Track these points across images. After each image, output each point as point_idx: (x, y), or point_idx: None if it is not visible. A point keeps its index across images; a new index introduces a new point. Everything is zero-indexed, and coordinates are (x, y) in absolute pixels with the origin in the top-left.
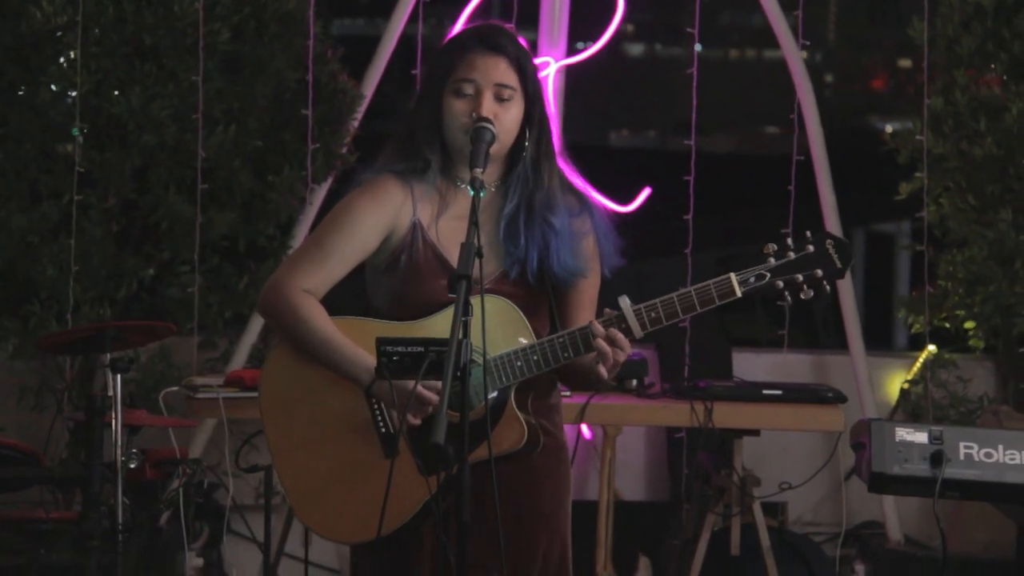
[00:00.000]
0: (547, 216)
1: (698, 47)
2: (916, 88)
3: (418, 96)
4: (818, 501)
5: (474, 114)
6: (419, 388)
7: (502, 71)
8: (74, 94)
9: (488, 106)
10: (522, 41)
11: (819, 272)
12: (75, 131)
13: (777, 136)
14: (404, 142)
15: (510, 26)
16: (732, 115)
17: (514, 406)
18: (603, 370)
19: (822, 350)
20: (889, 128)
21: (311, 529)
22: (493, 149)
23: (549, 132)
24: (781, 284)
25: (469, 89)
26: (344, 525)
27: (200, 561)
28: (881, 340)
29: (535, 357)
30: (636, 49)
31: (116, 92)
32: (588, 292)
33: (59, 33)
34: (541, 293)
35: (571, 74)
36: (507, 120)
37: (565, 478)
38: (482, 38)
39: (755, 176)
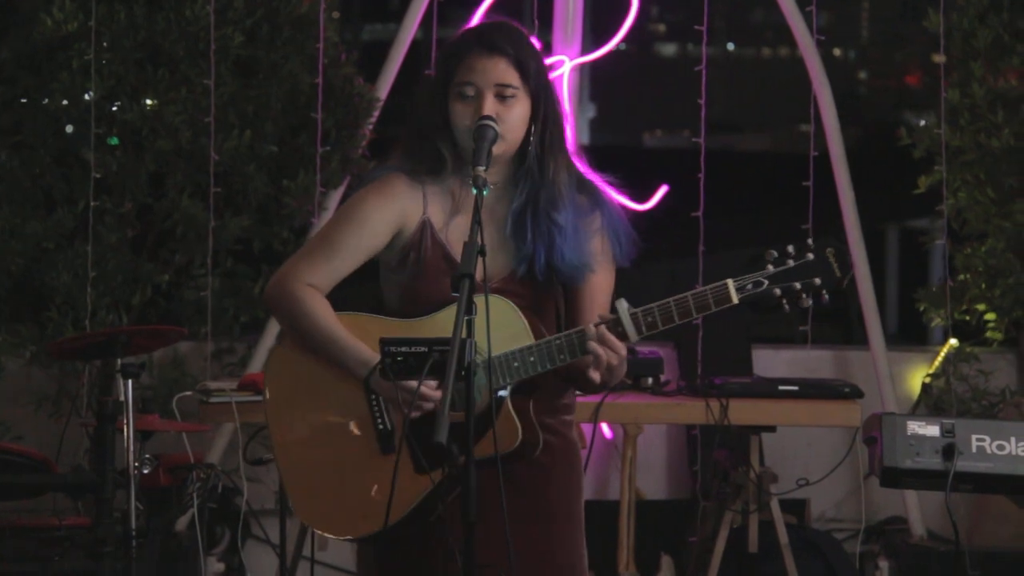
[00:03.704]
0: (551, 213)
1: (731, 45)
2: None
3: (425, 98)
4: (841, 497)
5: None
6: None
7: (501, 71)
8: (93, 99)
9: (490, 107)
10: (534, 39)
11: (817, 281)
12: (113, 140)
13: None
14: (414, 144)
15: (516, 22)
16: (766, 113)
17: (510, 407)
18: (595, 374)
19: (843, 346)
20: (923, 123)
21: (305, 522)
22: (499, 148)
23: (557, 128)
24: (779, 292)
25: (470, 92)
26: (336, 520)
27: (221, 566)
28: (918, 336)
29: (531, 358)
30: (668, 49)
31: (129, 98)
32: (599, 291)
33: (70, 40)
34: (548, 292)
35: (603, 75)
36: (511, 119)
37: (575, 478)
38: (480, 39)
39: (790, 173)
